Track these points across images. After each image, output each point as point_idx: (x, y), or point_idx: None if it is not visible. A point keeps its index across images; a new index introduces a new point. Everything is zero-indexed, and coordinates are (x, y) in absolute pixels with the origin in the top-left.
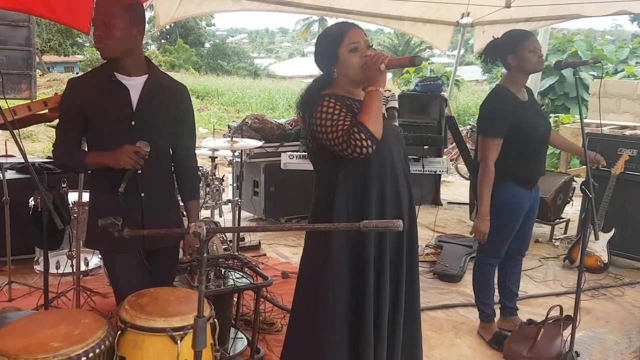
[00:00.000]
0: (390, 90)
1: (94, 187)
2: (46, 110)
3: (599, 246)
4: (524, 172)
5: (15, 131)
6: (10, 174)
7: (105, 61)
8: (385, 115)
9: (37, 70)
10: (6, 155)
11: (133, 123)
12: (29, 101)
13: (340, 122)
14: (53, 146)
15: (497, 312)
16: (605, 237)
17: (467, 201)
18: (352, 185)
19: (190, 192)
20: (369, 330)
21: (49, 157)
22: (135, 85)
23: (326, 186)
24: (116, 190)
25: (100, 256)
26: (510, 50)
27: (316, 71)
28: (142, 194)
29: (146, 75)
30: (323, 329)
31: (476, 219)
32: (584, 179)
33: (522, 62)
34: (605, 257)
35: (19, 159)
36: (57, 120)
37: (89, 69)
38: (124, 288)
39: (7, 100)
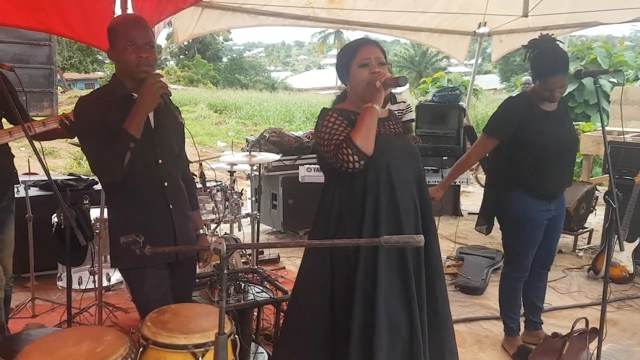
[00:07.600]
0: (405, 102)
1: (120, 204)
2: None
3: (623, 256)
4: (535, 181)
5: (38, 147)
6: (33, 191)
7: (110, 80)
8: (397, 129)
9: (59, 87)
10: (29, 174)
11: (154, 139)
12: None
13: (335, 137)
14: (97, 163)
15: (521, 325)
16: (630, 247)
17: None
18: (347, 194)
19: (194, 203)
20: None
21: (70, 174)
22: None
23: (328, 192)
24: (145, 206)
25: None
26: (538, 76)
27: (332, 83)
28: (171, 206)
29: None
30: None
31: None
32: (606, 188)
33: (540, 92)
34: (630, 267)
35: (42, 176)
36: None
37: None
38: (153, 303)
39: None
